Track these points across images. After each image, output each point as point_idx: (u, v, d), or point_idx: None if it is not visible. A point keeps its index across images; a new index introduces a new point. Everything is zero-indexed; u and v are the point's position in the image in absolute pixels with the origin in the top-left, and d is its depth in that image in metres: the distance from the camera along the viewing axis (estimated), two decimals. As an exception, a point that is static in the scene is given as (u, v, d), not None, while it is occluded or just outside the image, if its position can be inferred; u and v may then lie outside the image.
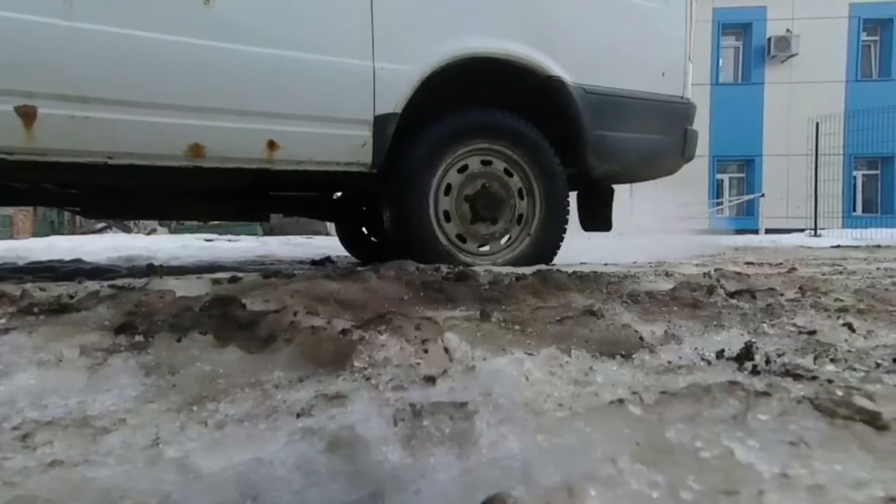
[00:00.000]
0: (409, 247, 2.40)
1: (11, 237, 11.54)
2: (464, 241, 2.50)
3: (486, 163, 2.52)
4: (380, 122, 2.23)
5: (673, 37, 2.85)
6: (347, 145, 2.22)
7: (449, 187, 2.46)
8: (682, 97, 2.88)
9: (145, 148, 1.96)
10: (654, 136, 2.81)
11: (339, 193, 3.57)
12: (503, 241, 2.59)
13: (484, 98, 2.53)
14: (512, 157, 2.54)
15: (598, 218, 3.00)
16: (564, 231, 2.70)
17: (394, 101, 2.23)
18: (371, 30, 2.19)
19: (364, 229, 3.88)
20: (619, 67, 2.67)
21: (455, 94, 2.46)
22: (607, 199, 3.00)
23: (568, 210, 2.70)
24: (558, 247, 2.68)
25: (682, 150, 2.91)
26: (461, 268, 1.83)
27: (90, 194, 2.69)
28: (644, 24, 2.79)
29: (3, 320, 1.00)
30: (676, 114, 2.88)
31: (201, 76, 1.98)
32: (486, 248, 2.56)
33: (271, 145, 2.10)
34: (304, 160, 2.19)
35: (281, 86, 2.09)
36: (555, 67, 2.48)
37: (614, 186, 3.06)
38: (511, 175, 2.56)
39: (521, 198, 2.58)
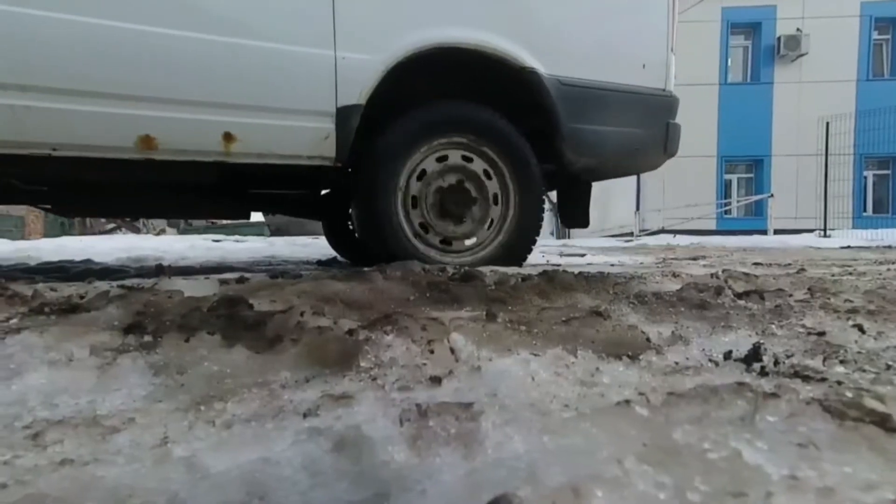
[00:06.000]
0: (377, 244, 2.32)
1: (23, 238, 11.67)
2: (441, 240, 2.43)
3: (465, 158, 2.44)
4: (343, 113, 2.15)
5: (654, 28, 2.75)
6: (309, 138, 2.15)
7: (421, 175, 2.37)
8: (663, 90, 2.78)
9: (92, 139, 1.87)
10: (634, 130, 2.71)
11: (325, 191, 3.44)
12: (476, 237, 2.50)
13: (456, 90, 2.44)
14: (484, 150, 2.45)
15: (576, 214, 2.96)
16: (540, 224, 2.61)
17: (357, 92, 2.16)
18: (332, 18, 2.11)
19: (351, 227, 3.82)
20: (596, 59, 2.58)
21: (425, 86, 2.38)
22: (584, 195, 2.94)
23: (543, 203, 2.61)
24: (534, 241, 2.60)
25: (665, 145, 2.81)
26: (466, 268, 1.83)
27: (61, 191, 2.58)
28: (623, 15, 2.70)
29: (14, 320, 1.01)
30: (658, 107, 2.78)
31: (151, 65, 1.89)
32: (457, 245, 2.48)
33: (228, 137, 2.03)
34: (264, 153, 2.11)
35: (236, 75, 2.01)
36: (528, 58, 2.40)
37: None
38: (488, 176, 2.48)
39: (496, 202, 2.50)
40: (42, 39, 1.76)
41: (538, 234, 2.63)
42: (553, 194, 3.40)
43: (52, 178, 2.37)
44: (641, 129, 2.73)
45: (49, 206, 2.95)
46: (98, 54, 1.82)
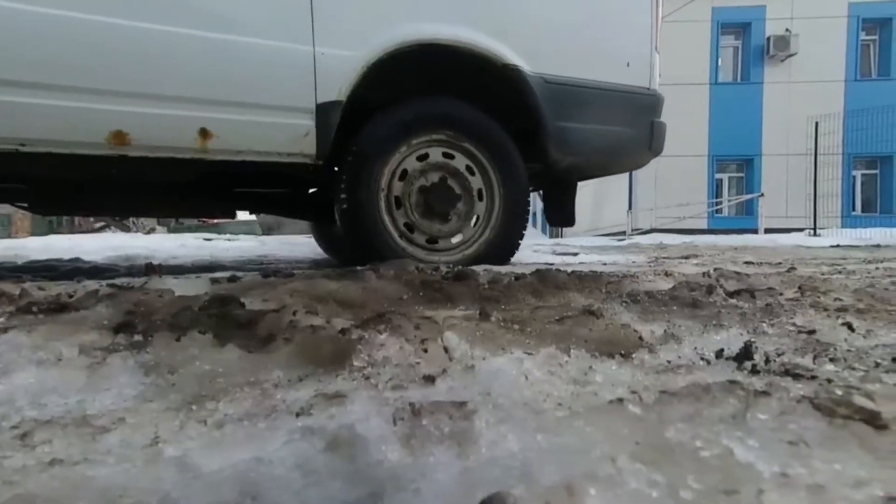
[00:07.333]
0: (360, 243, 2.30)
1: (10, 236, 11.53)
2: (427, 239, 2.42)
3: (446, 155, 2.43)
4: (323, 110, 2.14)
5: (638, 26, 2.76)
6: (288, 135, 2.13)
7: (404, 175, 2.36)
8: (648, 88, 2.79)
9: (62, 135, 1.84)
10: (619, 129, 2.72)
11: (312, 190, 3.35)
12: (459, 237, 2.49)
13: (440, 88, 2.44)
14: (468, 148, 2.44)
15: (562, 213, 2.99)
16: (525, 223, 2.60)
17: (337, 88, 2.15)
18: (311, 13, 2.10)
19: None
20: (580, 57, 2.59)
21: (407, 83, 2.36)
22: (570, 194, 2.97)
23: (528, 203, 2.61)
24: (519, 241, 2.59)
25: (650, 143, 2.82)
26: (460, 267, 1.83)
27: (38, 189, 2.52)
28: (607, 13, 2.71)
29: (2, 319, 1.00)
30: (642, 105, 2.79)
31: (123, 59, 1.86)
32: (441, 244, 2.47)
33: (204, 133, 2.00)
34: (242, 150, 2.09)
35: (211, 70, 1.98)
36: (511, 56, 2.39)
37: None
38: (473, 173, 2.46)
39: (480, 199, 2.49)
40: (6, 31, 1.72)
41: (524, 230, 2.61)
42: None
43: (24, 174, 2.30)
44: (626, 128, 2.74)
45: (25, 205, 2.86)
46: (66, 47, 1.78)
